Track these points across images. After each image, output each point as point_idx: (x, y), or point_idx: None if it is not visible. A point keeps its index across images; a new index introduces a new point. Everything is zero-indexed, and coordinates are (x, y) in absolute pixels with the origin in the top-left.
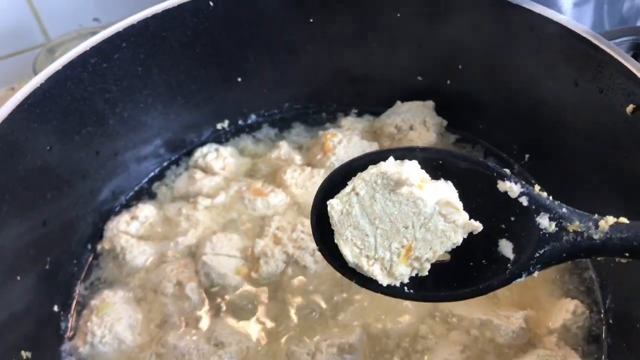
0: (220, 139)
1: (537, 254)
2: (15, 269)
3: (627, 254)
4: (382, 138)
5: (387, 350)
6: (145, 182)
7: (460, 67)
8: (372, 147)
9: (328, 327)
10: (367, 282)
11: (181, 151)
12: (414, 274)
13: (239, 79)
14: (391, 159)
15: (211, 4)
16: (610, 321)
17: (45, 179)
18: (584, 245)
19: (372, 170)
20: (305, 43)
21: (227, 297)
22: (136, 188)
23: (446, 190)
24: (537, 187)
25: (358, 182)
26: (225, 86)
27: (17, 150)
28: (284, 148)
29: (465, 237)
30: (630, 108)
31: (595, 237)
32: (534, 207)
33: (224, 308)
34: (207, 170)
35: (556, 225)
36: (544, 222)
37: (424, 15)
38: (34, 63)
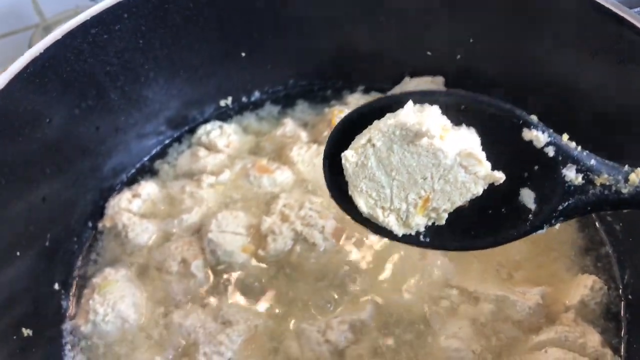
0: (223, 116)
1: (561, 207)
2: (14, 245)
3: None
4: None
5: (397, 326)
6: (147, 159)
7: (471, 40)
8: None
9: (338, 304)
10: (382, 231)
11: (183, 128)
12: (430, 223)
13: (243, 54)
14: (410, 104)
15: None
16: (630, 297)
17: (44, 153)
18: (611, 198)
19: (390, 120)
20: (311, 17)
21: (233, 275)
22: (138, 165)
23: (468, 139)
24: (565, 137)
25: (375, 133)
26: (229, 61)
27: (15, 121)
28: (289, 125)
29: (486, 187)
30: None
31: (624, 191)
32: (560, 157)
33: (230, 286)
34: (210, 148)
35: (583, 178)
36: (571, 174)
37: None
38: (29, 43)
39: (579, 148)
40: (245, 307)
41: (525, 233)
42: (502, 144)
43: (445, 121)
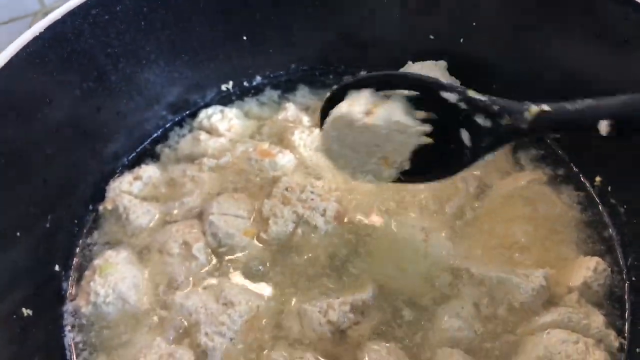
0: (225, 101)
1: (483, 143)
2: (14, 226)
3: (554, 133)
4: None
5: (399, 306)
6: (147, 143)
7: (474, 24)
8: None
9: (340, 285)
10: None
11: (184, 112)
12: (401, 170)
13: (244, 38)
14: (349, 94)
15: None
16: (633, 279)
17: (45, 134)
18: (514, 133)
19: (330, 116)
20: (314, 1)
21: (235, 257)
22: (138, 149)
23: (395, 110)
24: (471, 92)
25: (327, 126)
26: (230, 45)
27: (16, 101)
28: (290, 109)
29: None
30: None
31: (524, 126)
32: (471, 109)
33: (232, 268)
34: (211, 132)
35: (491, 122)
36: (481, 120)
37: None
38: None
39: (487, 98)
40: (246, 288)
41: (467, 163)
42: (436, 102)
43: (373, 102)
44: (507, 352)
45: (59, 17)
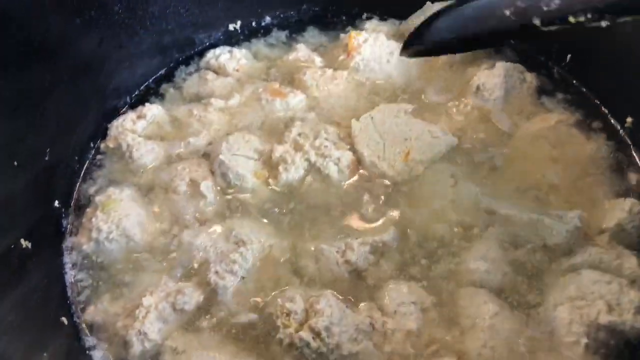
0: (231, 42)
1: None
2: (10, 154)
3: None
4: None
5: (420, 249)
6: (152, 81)
7: None
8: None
9: (359, 229)
10: None
11: (190, 51)
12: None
13: None
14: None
15: None
16: None
17: (43, 64)
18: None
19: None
20: None
21: (245, 198)
22: (142, 87)
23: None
24: None
25: (374, 112)
26: None
27: (11, 25)
28: (302, 50)
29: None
30: None
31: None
32: None
33: (242, 209)
34: (219, 72)
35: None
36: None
37: None
38: None
39: None
40: (257, 228)
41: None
42: None
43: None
44: (537, 293)
45: None
